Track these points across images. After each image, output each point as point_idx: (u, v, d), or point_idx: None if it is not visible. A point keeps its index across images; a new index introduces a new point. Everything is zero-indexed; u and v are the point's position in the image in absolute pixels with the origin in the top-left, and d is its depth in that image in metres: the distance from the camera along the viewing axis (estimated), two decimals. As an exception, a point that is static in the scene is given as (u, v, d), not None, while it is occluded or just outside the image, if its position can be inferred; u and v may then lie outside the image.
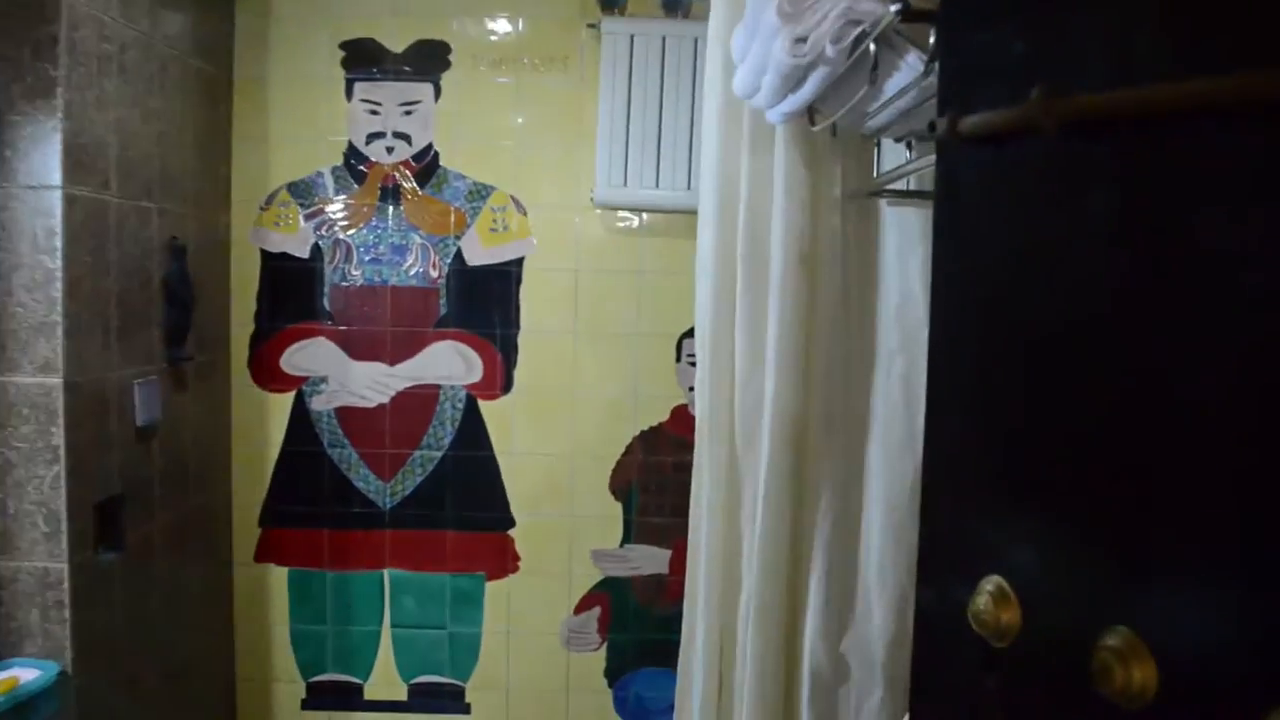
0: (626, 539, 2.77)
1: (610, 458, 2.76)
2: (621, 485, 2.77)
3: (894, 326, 1.81)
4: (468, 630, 2.77)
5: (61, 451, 1.97)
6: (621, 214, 2.70)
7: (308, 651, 2.80)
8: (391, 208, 2.69)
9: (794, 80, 1.38)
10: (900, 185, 1.77)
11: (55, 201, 1.94)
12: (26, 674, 1.94)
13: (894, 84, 1.32)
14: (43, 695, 1.93)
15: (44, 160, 1.94)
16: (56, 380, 1.96)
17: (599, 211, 2.69)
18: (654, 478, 2.76)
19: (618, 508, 2.77)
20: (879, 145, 1.83)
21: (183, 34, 2.41)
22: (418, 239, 2.69)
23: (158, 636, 2.35)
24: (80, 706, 2.00)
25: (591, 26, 2.62)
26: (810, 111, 1.58)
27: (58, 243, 1.95)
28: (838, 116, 1.48)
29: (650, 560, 2.77)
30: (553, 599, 2.79)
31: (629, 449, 2.76)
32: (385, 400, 2.73)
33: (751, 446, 1.87)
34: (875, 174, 1.83)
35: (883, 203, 1.83)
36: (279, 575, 2.79)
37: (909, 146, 1.73)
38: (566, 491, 2.77)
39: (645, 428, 2.75)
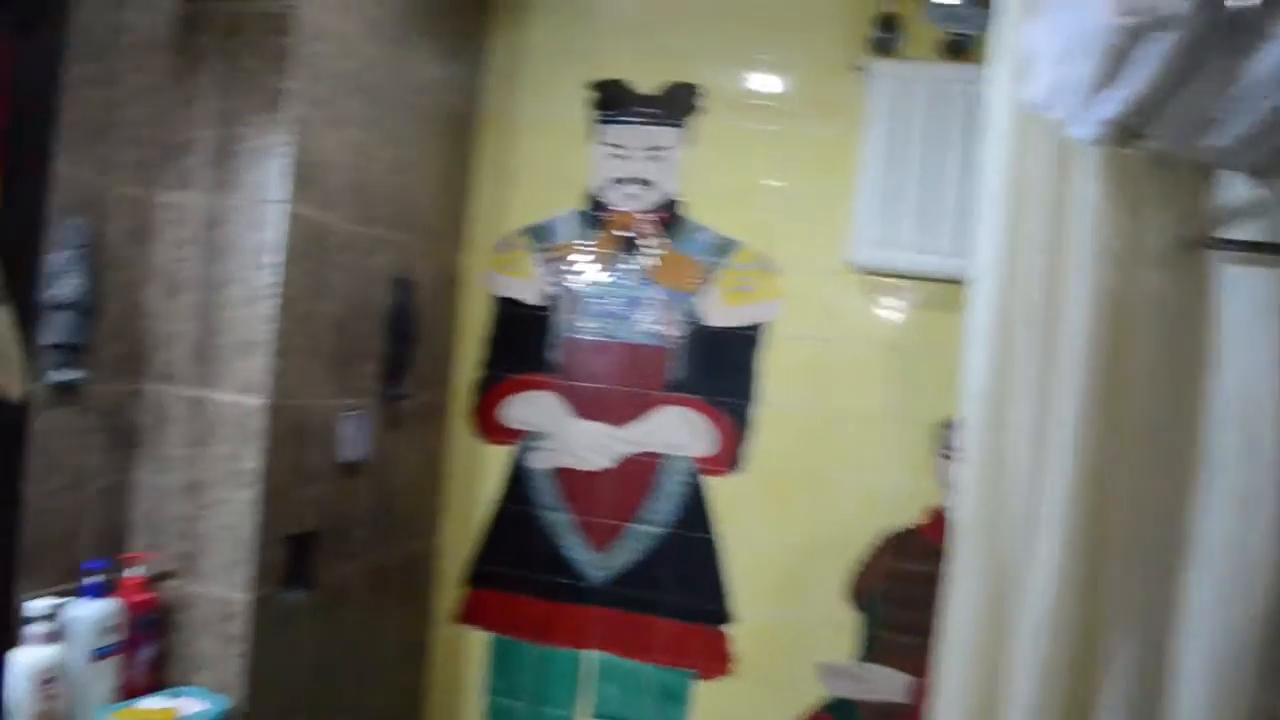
0: (864, 655, 2.39)
1: (852, 557, 2.40)
2: (863, 592, 2.39)
3: (1231, 424, 1.38)
4: (671, 732, 2.47)
5: (256, 477, 1.87)
6: (881, 280, 2.38)
7: (499, 728, 2.59)
8: (629, 258, 2.51)
9: (1116, 64, 1.04)
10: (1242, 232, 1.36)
11: (276, 217, 1.87)
12: (193, 705, 1.82)
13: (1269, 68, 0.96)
14: (204, 734, 1.80)
15: (270, 174, 1.88)
16: (258, 401, 1.87)
17: (856, 276, 2.38)
18: (903, 588, 2.37)
19: (856, 617, 2.39)
20: (1212, 179, 1.43)
21: (430, 62, 2.35)
22: (654, 293, 2.49)
23: (343, 687, 2.20)
24: (242, 754, 1.85)
25: (859, 70, 2.36)
26: (1125, 133, 1.23)
27: (274, 259, 1.87)
28: (1168, 127, 1.12)
29: (888, 685, 2.37)
30: (768, 712, 2.43)
31: (877, 551, 2.38)
32: (607, 464, 2.51)
33: (1028, 568, 1.46)
34: (1210, 218, 1.42)
35: (1220, 258, 1.42)
36: (480, 640, 2.60)
37: (1263, 180, 1.32)
38: (797, 590, 2.42)
39: (897, 528, 2.37)
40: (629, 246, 2.51)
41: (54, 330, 1.73)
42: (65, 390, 1.77)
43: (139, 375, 1.93)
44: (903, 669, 2.35)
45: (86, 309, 1.78)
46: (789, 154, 2.43)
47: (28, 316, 0.59)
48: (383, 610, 2.35)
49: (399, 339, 2.29)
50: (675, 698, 2.46)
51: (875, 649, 2.38)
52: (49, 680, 1.66)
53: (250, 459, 1.87)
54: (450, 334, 2.58)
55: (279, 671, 1.98)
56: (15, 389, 0.64)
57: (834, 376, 2.40)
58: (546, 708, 2.54)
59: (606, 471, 2.51)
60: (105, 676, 1.79)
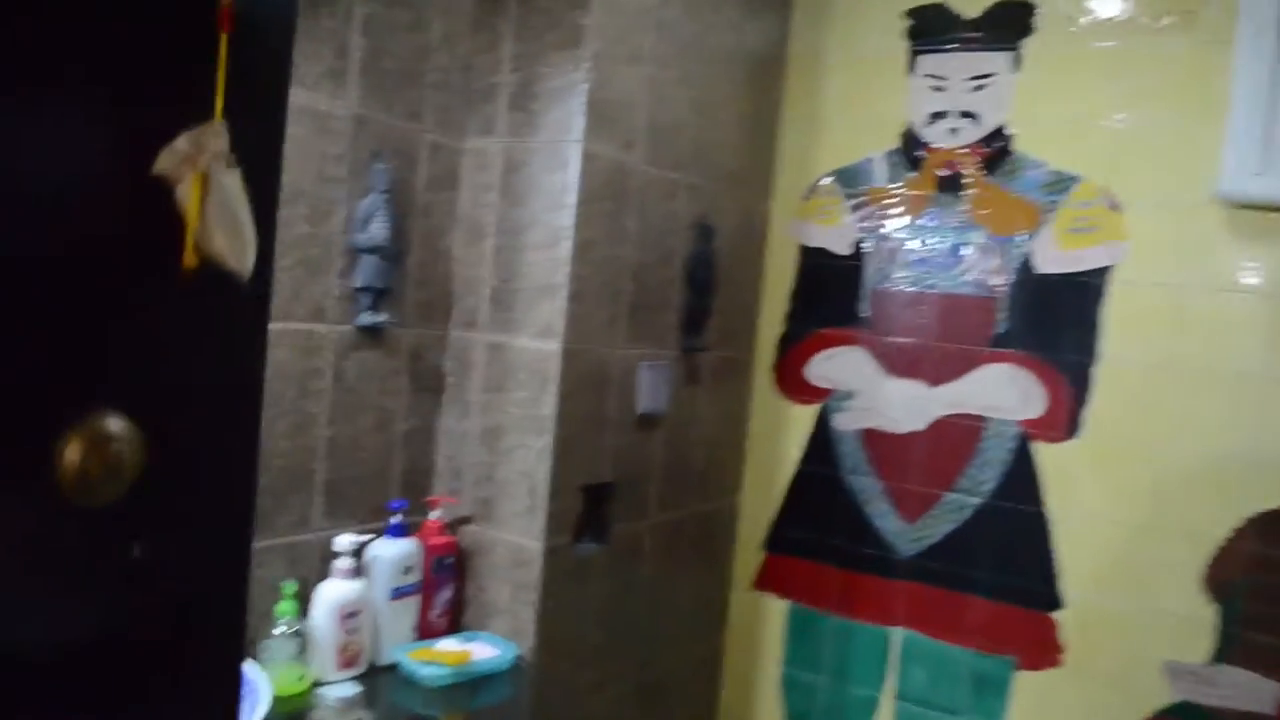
0: (1219, 656, 2.04)
1: (1209, 541, 2.04)
2: (1222, 581, 2.03)
3: None
4: (987, 724, 2.23)
5: (552, 423, 1.84)
6: (1257, 216, 1.99)
7: (798, 700, 2.46)
8: (949, 200, 2.27)
9: None
10: None
11: (574, 157, 1.82)
12: (485, 651, 1.82)
13: None
14: (496, 677, 1.79)
15: (567, 114, 1.83)
16: (555, 346, 1.83)
17: (1224, 211, 2.01)
18: (1271, 579, 1.99)
19: (1212, 611, 2.04)
20: None
21: (730, 1, 2.23)
22: (978, 238, 2.23)
23: (635, 646, 2.16)
24: (536, 698, 1.84)
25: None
26: None
27: (572, 200, 1.82)
28: None
29: (1249, 693, 2.00)
30: (1100, 711, 2.13)
31: (1238, 534, 2.02)
32: (920, 427, 2.30)
33: None
34: None
35: None
36: (778, 608, 2.48)
37: None
38: (1140, 576, 2.10)
39: (1264, 508, 2.00)
40: (950, 187, 2.27)
41: (362, 274, 1.78)
42: (372, 333, 1.81)
43: (442, 321, 1.96)
44: (1268, 674, 1.98)
45: (393, 254, 1.81)
46: (1139, 74, 2.09)
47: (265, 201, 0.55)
48: (677, 570, 2.28)
49: (699, 289, 2.20)
50: (992, 686, 2.22)
51: (1234, 649, 2.02)
52: (351, 614, 1.71)
53: (547, 405, 1.84)
54: (753, 286, 2.46)
55: (570, 624, 1.95)
56: (244, 265, 0.58)
57: (1191, 329, 2.04)
58: (848, 685, 2.38)
59: (920, 435, 2.29)
60: (403, 615, 1.83)
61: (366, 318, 1.79)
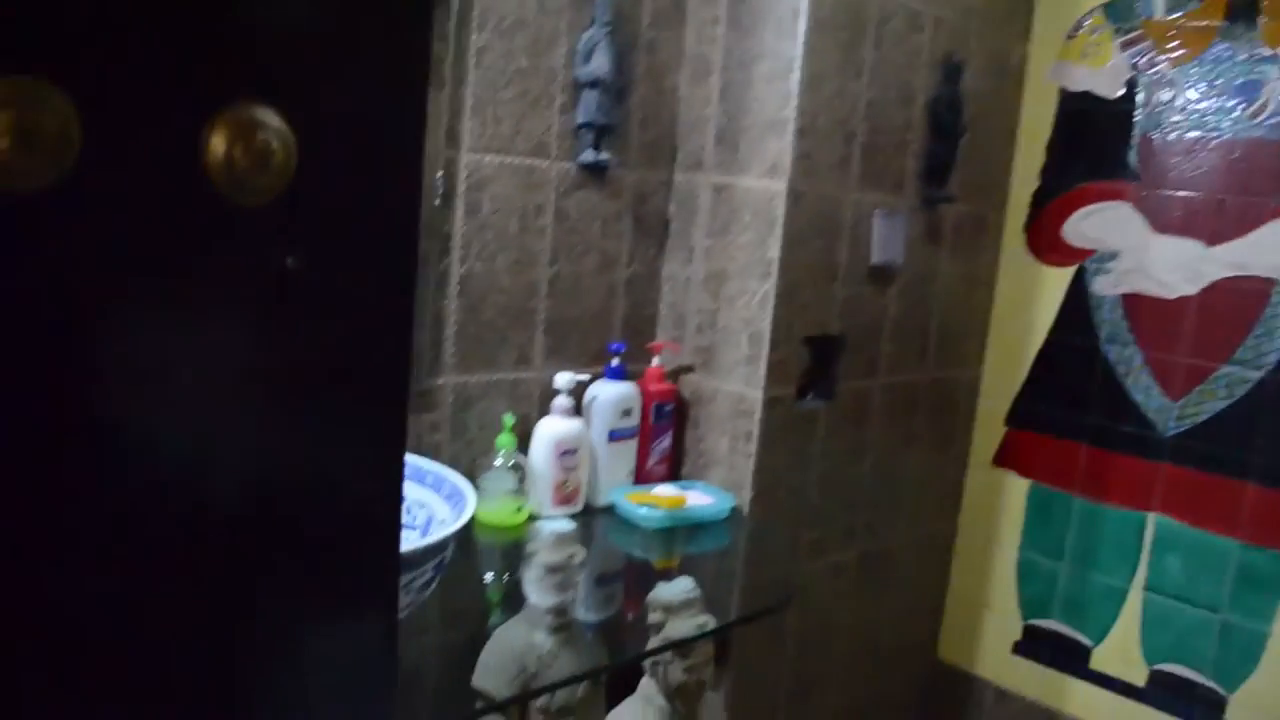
0: None
1: None
2: None
3: None
4: (1250, 625, 2.00)
5: (775, 268, 1.75)
6: None
7: (1034, 586, 2.30)
8: (1241, 31, 1.96)
9: None
10: None
11: (807, -19, 1.69)
12: (701, 499, 1.79)
13: None
14: (712, 526, 1.77)
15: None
16: (780, 185, 1.74)
17: None
18: None
19: None
20: None
21: None
22: (1275, 73, 1.92)
23: (858, 513, 2.07)
24: (751, 550, 1.80)
25: None
26: None
27: (802, 27, 1.70)
28: None
29: None
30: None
31: None
32: (1192, 292, 2.04)
33: None
34: None
35: None
36: (1018, 487, 2.32)
37: None
38: None
39: None
40: (1242, 15, 1.95)
41: (584, 109, 1.73)
42: (594, 172, 1.78)
43: (666, 164, 1.90)
44: None
45: (615, 89, 1.75)
46: None
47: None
48: (908, 439, 2.16)
49: (943, 134, 2.02)
50: (1263, 584, 1.98)
51: None
52: (568, 452, 1.71)
53: (772, 248, 1.75)
54: (1005, 134, 2.24)
55: (789, 481, 1.89)
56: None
57: None
58: (1092, 573, 2.20)
59: (1192, 300, 2.04)
60: (621, 458, 1.82)
61: (589, 155, 1.75)
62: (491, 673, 1.49)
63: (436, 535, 1.14)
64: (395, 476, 0.61)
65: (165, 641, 0.52)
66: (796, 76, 1.70)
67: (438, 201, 1.57)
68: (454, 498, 1.29)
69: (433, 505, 1.32)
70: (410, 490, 1.35)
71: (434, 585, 1.18)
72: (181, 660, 0.53)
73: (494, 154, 1.63)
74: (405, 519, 1.35)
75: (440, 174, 1.57)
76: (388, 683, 0.62)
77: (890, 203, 1.94)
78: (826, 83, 1.75)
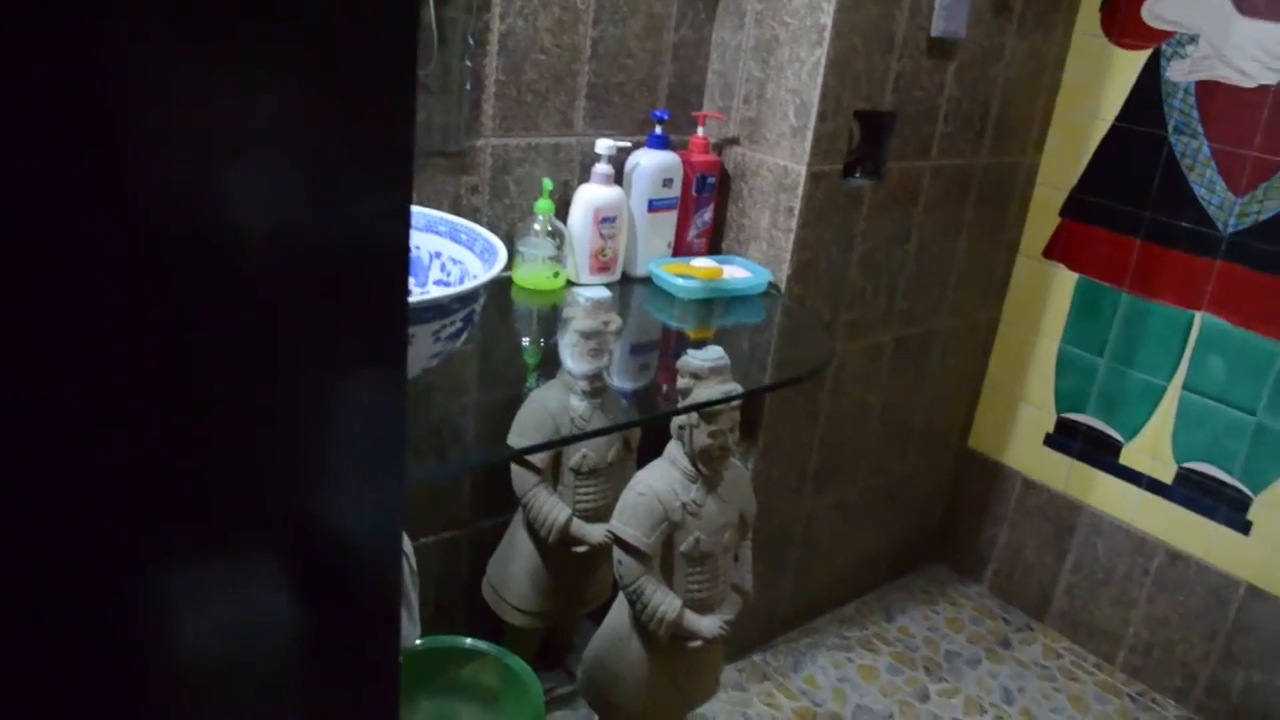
0: None
1: None
2: None
3: None
4: (1289, 426, 2.00)
5: (828, 34, 1.67)
6: None
7: (1071, 380, 2.30)
8: None
9: None
10: None
11: None
12: (739, 273, 1.78)
13: None
14: (748, 300, 1.76)
15: None
16: (838, -57, 1.63)
17: None
18: None
19: None
20: None
21: None
22: None
23: (897, 295, 2.05)
24: (785, 325, 1.80)
25: None
26: None
27: None
28: None
29: None
30: None
31: None
32: (1273, 82, 1.92)
33: None
34: None
35: None
36: (1065, 281, 2.27)
37: None
38: None
39: None
40: None
41: None
42: (645, -80, 1.68)
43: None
44: None
45: None
46: None
47: None
48: (956, 224, 2.11)
49: (1022, -105, 1.87)
50: (1306, 387, 1.96)
51: None
52: (607, 219, 1.70)
53: (825, 13, 1.66)
54: (1090, -103, 2.07)
55: (830, 259, 1.87)
56: None
57: None
58: (1132, 369, 2.18)
59: (1272, 91, 1.92)
60: (661, 229, 1.80)
61: (637, -96, 1.64)
62: (527, 432, 1.54)
63: (467, 285, 1.14)
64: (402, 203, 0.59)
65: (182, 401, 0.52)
66: None
67: (477, -52, 1.50)
68: (487, 254, 1.29)
69: (466, 262, 1.32)
70: (444, 246, 1.35)
71: (464, 336, 1.20)
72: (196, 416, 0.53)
73: (537, -102, 1.54)
74: (439, 275, 1.36)
75: (480, -83, 1.49)
76: (398, 435, 0.62)
77: (958, -31, 1.82)
78: None
